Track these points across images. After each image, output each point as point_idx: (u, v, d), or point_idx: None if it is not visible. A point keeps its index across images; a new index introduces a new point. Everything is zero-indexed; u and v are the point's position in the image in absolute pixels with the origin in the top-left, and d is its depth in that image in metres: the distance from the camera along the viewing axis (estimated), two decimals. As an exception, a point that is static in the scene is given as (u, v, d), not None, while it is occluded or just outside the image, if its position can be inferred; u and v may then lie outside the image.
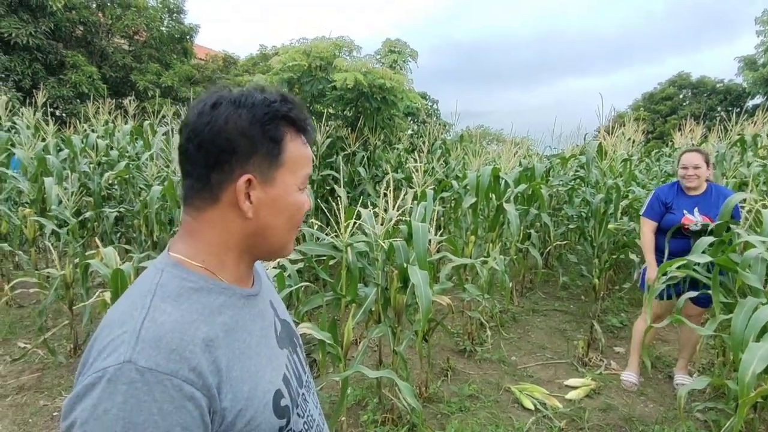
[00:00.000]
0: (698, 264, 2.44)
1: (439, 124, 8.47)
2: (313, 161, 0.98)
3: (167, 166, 4.54)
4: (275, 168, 0.75)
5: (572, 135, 11.38)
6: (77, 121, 6.82)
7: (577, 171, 5.52)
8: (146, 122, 5.58)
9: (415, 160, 3.14)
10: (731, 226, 2.57)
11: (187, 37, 17.51)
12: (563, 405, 3.06)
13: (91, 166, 5.29)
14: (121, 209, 4.96)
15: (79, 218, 4.64)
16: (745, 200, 2.78)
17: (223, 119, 0.72)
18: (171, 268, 0.74)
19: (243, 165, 0.73)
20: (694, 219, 2.97)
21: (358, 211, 2.49)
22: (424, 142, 6.87)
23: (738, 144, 5.04)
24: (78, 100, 12.95)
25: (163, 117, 6.72)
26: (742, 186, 4.10)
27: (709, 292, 2.38)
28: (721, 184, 4.09)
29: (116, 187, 5.54)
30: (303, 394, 0.86)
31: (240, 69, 19.20)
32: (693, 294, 2.47)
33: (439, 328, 3.40)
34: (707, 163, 3.01)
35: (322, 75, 5.60)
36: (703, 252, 2.36)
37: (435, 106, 13.93)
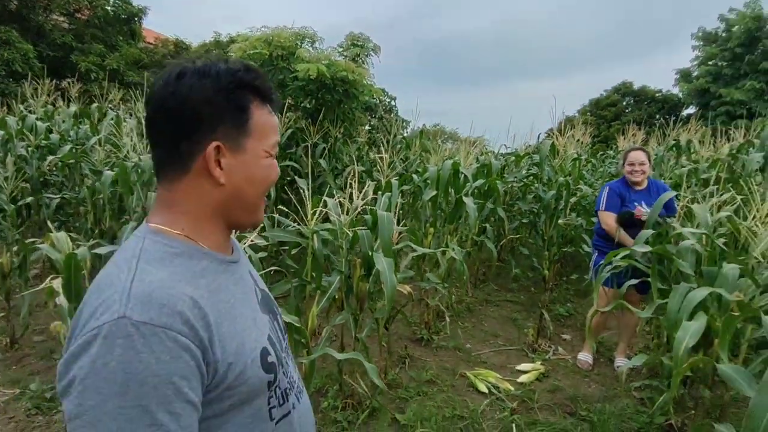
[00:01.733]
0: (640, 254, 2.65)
1: (397, 121, 8.55)
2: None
3: (117, 151, 4.34)
4: (243, 135, 0.78)
5: (525, 135, 11.86)
6: (12, 102, 6.34)
7: (529, 169, 5.78)
8: (94, 105, 5.27)
9: (380, 152, 3.20)
10: (668, 219, 2.81)
11: (136, 18, 16.62)
12: (515, 388, 3.22)
13: (30, 149, 4.95)
14: (66, 195, 4.68)
15: (17, 204, 4.34)
16: (678, 196, 3.06)
17: (187, 89, 0.74)
18: (152, 236, 0.76)
19: (210, 133, 0.75)
20: (645, 211, 3.22)
21: (325, 200, 2.52)
22: (383, 137, 6.93)
23: (674, 148, 5.45)
24: (11, 79, 11.99)
25: (110, 101, 6.39)
26: (676, 186, 4.45)
27: (649, 279, 2.60)
28: None
29: (56, 172, 5.21)
30: (284, 357, 0.90)
31: (192, 55, 18.46)
32: (635, 281, 2.69)
33: (398, 317, 3.49)
34: (650, 160, 3.30)
35: (283, 65, 5.52)
36: (645, 243, 2.57)
37: (393, 102, 14.09)
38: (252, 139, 0.79)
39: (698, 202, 2.92)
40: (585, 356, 3.62)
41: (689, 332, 1.77)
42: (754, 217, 2.21)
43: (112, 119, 5.36)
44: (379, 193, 2.98)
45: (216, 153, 0.76)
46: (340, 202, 2.66)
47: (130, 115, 5.90)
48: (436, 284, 3.20)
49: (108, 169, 4.20)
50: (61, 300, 2.27)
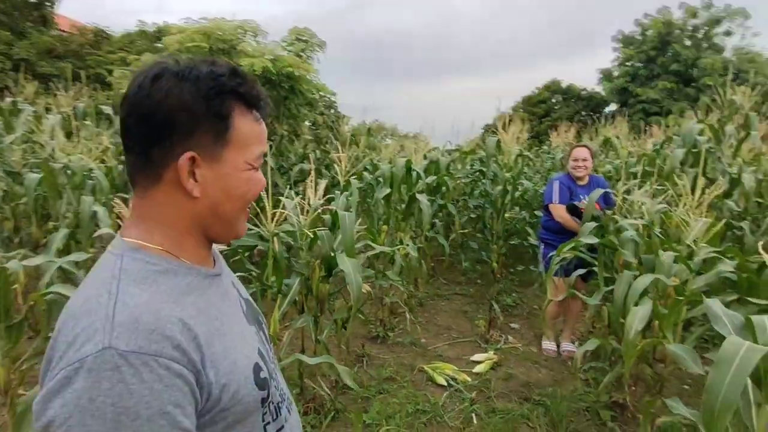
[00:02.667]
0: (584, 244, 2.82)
1: (342, 118, 8.49)
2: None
3: (40, 151, 3.95)
4: (222, 145, 0.72)
5: (465, 131, 12.23)
6: None
7: (473, 165, 5.96)
8: (8, 99, 4.76)
9: (326, 149, 3.14)
10: (608, 212, 3.03)
11: (47, 3, 15.19)
12: (471, 378, 3.32)
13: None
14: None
15: None
16: (613, 190, 3.31)
17: (163, 92, 0.69)
18: (131, 253, 0.70)
19: (184, 141, 0.70)
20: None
21: (283, 202, 2.44)
22: (327, 134, 6.85)
23: (604, 144, 5.86)
24: None
25: (21, 94, 5.78)
26: (611, 179, 4.81)
27: (592, 268, 2.78)
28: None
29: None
30: (273, 368, 0.87)
31: (114, 46, 17.16)
32: (582, 271, 2.86)
33: (349, 324, 3.48)
34: (592, 156, 3.53)
35: (225, 59, 5.29)
36: (590, 234, 2.75)
37: (332, 98, 13.99)
38: (231, 149, 0.73)
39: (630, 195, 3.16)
40: (548, 344, 3.79)
41: (637, 317, 1.91)
42: (685, 205, 2.42)
43: (29, 115, 4.87)
44: (337, 192, 2.94)
45: (190, 164, 0.70)
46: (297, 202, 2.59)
47: (47, 110, 5.38)
48: (395, 282, 3.22)
49: (30, 172, 3.82)
50: (-14, 320, 2.03)
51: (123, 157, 0.79)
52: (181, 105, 0.69)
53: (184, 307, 0.68)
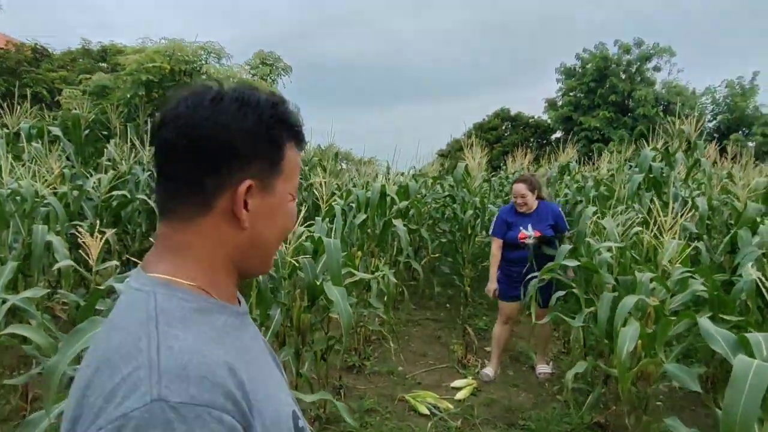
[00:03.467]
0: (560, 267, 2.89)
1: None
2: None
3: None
4: (275, 175, 0.69)
5: (423, 156, 12.47)
6: None
7: (441, 190, 6.05)
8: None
9: (319, 175, 3.09)
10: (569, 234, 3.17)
11: (-17, 19, 14.26)
12: (454, 406, 3.27)
13: None
14: None
15: None
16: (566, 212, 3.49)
17: (227, 116, 0.64)
18: (163, 290, 0.63)
19: (244, 169, 0.65)
20: (528, 234, 3.61)
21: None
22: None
23: (562, 170, 6.14)
24: None
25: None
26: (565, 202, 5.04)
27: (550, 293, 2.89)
28: (554, 201, 4.96)
29: None
30: (300, 413, 0.81)
31: (55, 64, 16.30)
32: (563, 293, 2.92)
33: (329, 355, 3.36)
34: (532, 190, 3.66)
35: (186, 80, 5.13)
36: (566, 257, 2.82)
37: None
38: (282, 179, 0.70)
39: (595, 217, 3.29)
40: (488, 370, 3.75)
41: (627, 337, 1.96)
42: (658, 227, 2.54)
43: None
44: (317, 218, 2.86)
45: (246, 193, 0.65)
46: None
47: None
48: (376, 309, 3.15)
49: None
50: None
51: (154, 185, 0.70)
52: (245, 130, 0.65)
53: (228, 350, 0.61)
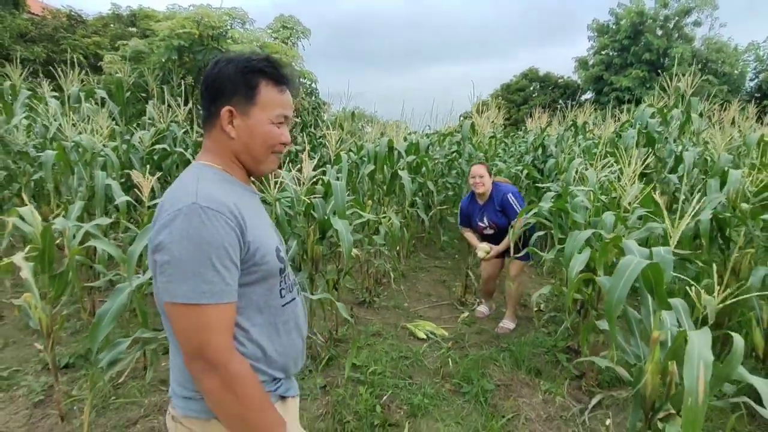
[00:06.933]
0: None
1: (318, 104, 8.75)
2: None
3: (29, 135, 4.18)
4: (250, 105, 1.12)
5: (444, 116, 12.60)
6: None
7: (450, 147, 6.36)
8: (7, 83, 4.94)
9: (327, 128, 3.48)
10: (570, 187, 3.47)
11: (18, -15, 14.84)
12: (449, 333, 3.76)
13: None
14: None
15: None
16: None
17: (218, 70, 1.12)
18: (204, 167, 1.12)
19: (227, 101, 1.11)
20: (484, 225, 3.90)
21: (281, 174, 2.81)
22: (313, 118, 7.13)
23: (572, 128, 6.32)
24: None
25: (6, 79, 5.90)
26: (572, 159, 5.26)
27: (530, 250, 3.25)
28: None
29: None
30: (287, 261, 1.23)
31: (89, 29, 16.91)
32: (542, 233, 3.30)
33: (341, 285, 3.87)
34: (489, 173, 3.86)
35: (213, 45, 5.55)
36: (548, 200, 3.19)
37: (314, 84, 14.16)
38: (258, 108, 1.12)
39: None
40: (483, 308, 4.26)
41: (578, 260, 2.35)
42: (626, 176, 2.86)
43: (26, 99, 5.07)
44: (328, 166, 3.30)
45: (229, 115, 1.10)
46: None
47: (34, 94, 5.54)
48: (381, 245, 3.61)
49: (40, 151, 4.07)
50: (25, 273, 2.35)
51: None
52: (227, 77, 1.10)
53: (236, 199, 1.06)
